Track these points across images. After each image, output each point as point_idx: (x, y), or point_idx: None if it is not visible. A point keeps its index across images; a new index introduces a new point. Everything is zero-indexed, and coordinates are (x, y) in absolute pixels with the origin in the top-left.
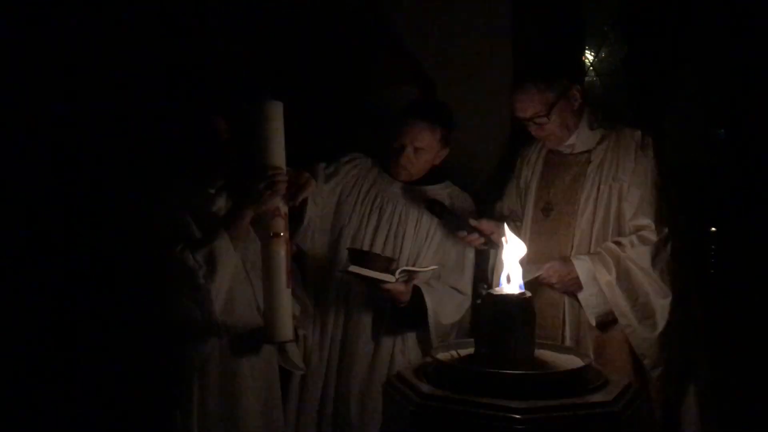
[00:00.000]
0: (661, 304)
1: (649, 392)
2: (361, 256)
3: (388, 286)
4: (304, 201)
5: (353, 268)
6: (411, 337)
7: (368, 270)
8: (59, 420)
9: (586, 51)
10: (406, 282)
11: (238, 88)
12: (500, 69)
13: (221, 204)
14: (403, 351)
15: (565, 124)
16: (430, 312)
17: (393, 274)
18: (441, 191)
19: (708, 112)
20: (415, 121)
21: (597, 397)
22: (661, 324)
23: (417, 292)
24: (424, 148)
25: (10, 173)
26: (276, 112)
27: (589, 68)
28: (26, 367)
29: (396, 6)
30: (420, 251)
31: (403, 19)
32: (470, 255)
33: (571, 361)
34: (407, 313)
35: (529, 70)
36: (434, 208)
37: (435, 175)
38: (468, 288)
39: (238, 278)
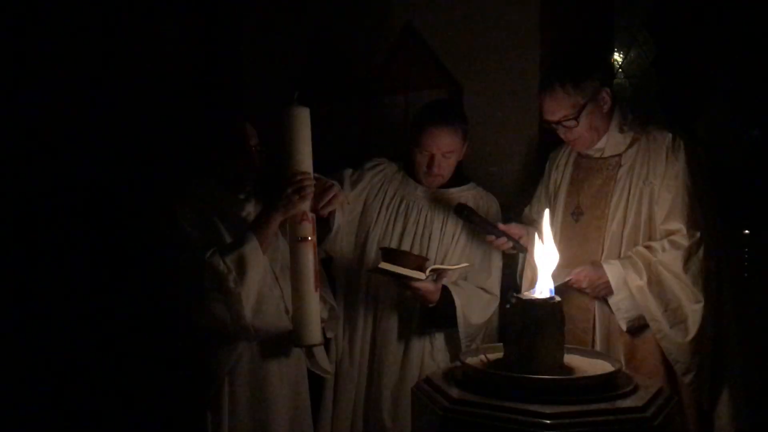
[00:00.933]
0: (693, 309)
1: (681, 398)
2: (393, 254)
3: (417, 284)
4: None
5: (384, 265)
6: (439, 339)
7: (399, 267)
8: (93, 420)
9: (615, 52)
10: (435, 281)
11: (265, 94)
12: (527, 71)
13: (250, 209)
14: (432, 354)
15: (595, 127)
16: (458, 311)
17: (424, 272)
18: (466, 193)
19: (741, 113)
20: (438, 128)
21: (627, 403)
22: (693, 329)
23: (445, 292)
24: (452, 151)
25: (50, 179)
26: (303, 118)
27: (617, 70)
28: (62, 368)
29: (422, 9)
30: (446, 253)
31: (429, 23)
32: (497, 255)
33: (601, 366)
34: (436, 313)
35: (557, 72)
36: (463, 212)
37: (459, 176)
38: (496, 288)
39: (267, 282)
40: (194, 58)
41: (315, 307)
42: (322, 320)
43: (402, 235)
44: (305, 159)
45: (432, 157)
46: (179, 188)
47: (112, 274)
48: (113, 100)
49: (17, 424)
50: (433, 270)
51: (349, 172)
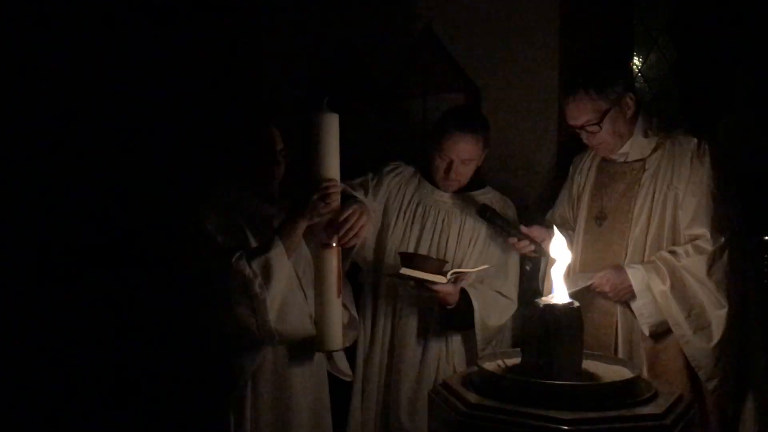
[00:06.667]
0: (717, 315)
1: (705, 405)
2: (412, 259)
3: (437, 287)
4: None
5: (405, 271)
6: (455, 342)
7: (420, 272)
8: (116, 419)
9: (635, 56)
10: (453, 283)
11: (293, 99)
12: (547, 75)
13: (274, 213)
14: (447, 357)
15: (618, 132)
16: (476, 314)
17: (444, 275)
18: (482, 196)
19: (762, 117)
20: (461, 135)
21: (647, 410)
22: (716, 335)
23: (464, 295)
24: (472, 159)
25: (75, 182)
26: (331, 124)
27: (637, 74)
28: (85, 367)
29: (441, 13)
30: (464, 257)
31: (448, 27)
32: (514, 259)
33: (620, 373)
34: (454, 315)
35: (581, 77)
36: (486, 213)
37: (476, 180)
38: (513, 292)
39: (292, 287)
40: (216, 61)
41: (337, 313)
42: (343, 325)
43: (419, 239)
44: (332, 166)
45: (451, 163)
46: (205, 191)
47: (138, 276)
48: (136, 103)
49: (38, 423)
50: (454, 272)
51: (370, 176)
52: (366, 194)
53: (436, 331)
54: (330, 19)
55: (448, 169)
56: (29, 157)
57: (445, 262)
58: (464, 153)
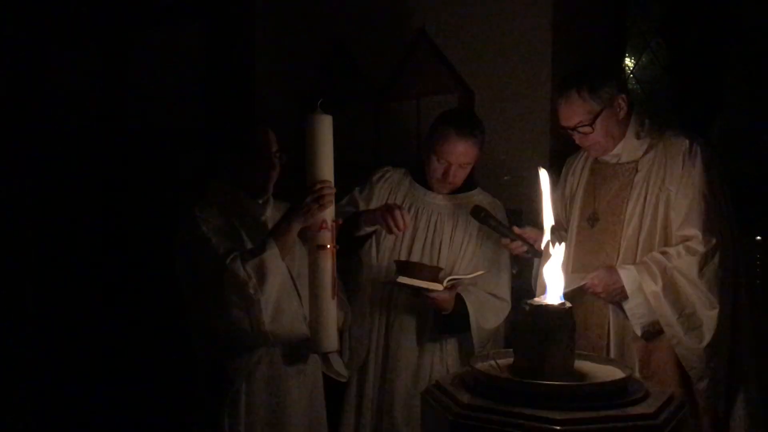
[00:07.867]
0: (708, 315)
1: (696, 405)
2: (408, 267)
3: (434, 294)
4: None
5: (402, 279)
6: (450, 344)
7: (417, 280)
8: (111, 420)
9: (627, 57)
10: (449, 289)
11: (287, 101)
12: (539, 77)
13: (269, 214)
14: (442, 359)
15: (611, 133)
16: (471, 317)
17: (440, 282)
18: (474, 198)
19: (755, 119)
20: (460, 139)
21: (638, 410)
22: (708, 335)
23: (458, 299)
24: (470, 162)
25: (74, 184)
26: (325, 125)
27: (629, 75)
28: (81, 369)
29: (435, 15)
30: (456, 259)
31: (442, 29)
32: (505, 260)
33: (611, 373)
34: (450, 320)
35: (574, 78)
36: (479, 214)
37: (467, 181)
38: (506, 293)
39: (286, 289)
40: (211, 62)
41: (332, 315)
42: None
43: (412, 241)
44: (326, 167)
45: (449, 167)
46: (200, 192)
47: (132, 277)
48: (136, 104)
49: (35, 422)
50: (451, 279)
51: (357, 191)
52: (358, 208)
53: (431, 333)
54: (324, 21)
55: (446, 172)
56: (29, 155)
57: (440, 269)
58: (463, 157)
